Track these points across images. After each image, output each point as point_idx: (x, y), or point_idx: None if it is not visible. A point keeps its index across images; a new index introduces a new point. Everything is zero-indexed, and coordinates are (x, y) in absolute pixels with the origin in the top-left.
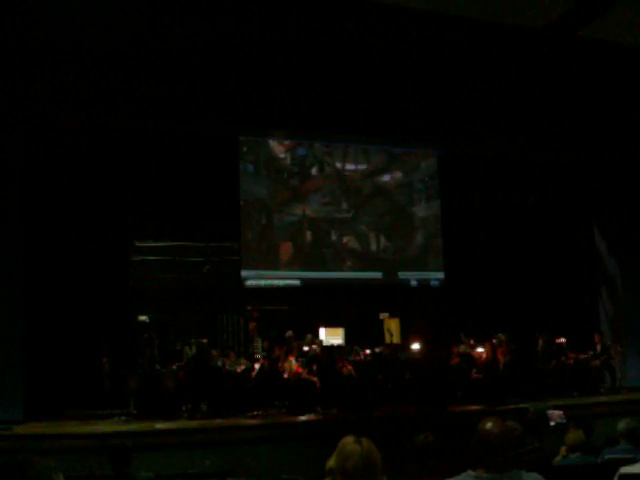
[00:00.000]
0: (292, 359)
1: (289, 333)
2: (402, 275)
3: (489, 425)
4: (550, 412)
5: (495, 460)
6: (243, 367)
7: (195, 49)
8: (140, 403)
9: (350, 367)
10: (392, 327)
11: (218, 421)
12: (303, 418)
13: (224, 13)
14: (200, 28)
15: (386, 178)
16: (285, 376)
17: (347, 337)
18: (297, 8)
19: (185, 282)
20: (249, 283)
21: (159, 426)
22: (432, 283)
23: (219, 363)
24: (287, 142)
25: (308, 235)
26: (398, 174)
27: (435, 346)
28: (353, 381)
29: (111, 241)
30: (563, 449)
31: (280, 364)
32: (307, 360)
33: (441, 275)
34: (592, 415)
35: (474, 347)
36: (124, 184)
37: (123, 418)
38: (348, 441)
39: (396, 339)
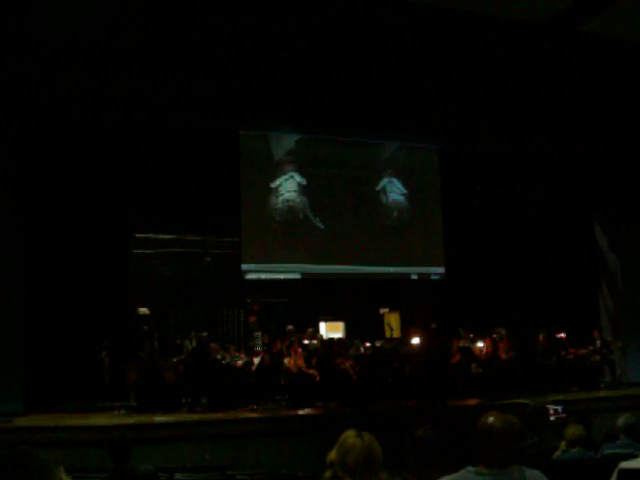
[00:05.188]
0: (295, 353)
1: (290, 327)
2: (402, 269)
3: (491, 419)
4: (550, 407)
5: (496, 455)
6: (243, 361)
7: (195, 42)
8: (140, 396)
9: (348, 364)
10: (392, 321)
11: (218, 414)
12: (303, 412)
13: (225, 7)
14: (201, 21)
15: (386, 169)
16: (286, 366)
17: (347, 331)
18: (298, 2)
19: (185, 275)
20: (249, 276)
21: (159, 419)
22: (432, 277)
23: (219, 356)
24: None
25: (308, 225)
26: (398, 166)
27: (435, 340)
28: (352, 375)
29: (111, 234)
30: (563, 444)
31: (286, 360)
32: (307, 354)
33: (441, 269)
34: (592, 410)
35: (474, 342)
36: (124, 177)
37: (123, 411)
38: (349, 435)
39: (396, 333)
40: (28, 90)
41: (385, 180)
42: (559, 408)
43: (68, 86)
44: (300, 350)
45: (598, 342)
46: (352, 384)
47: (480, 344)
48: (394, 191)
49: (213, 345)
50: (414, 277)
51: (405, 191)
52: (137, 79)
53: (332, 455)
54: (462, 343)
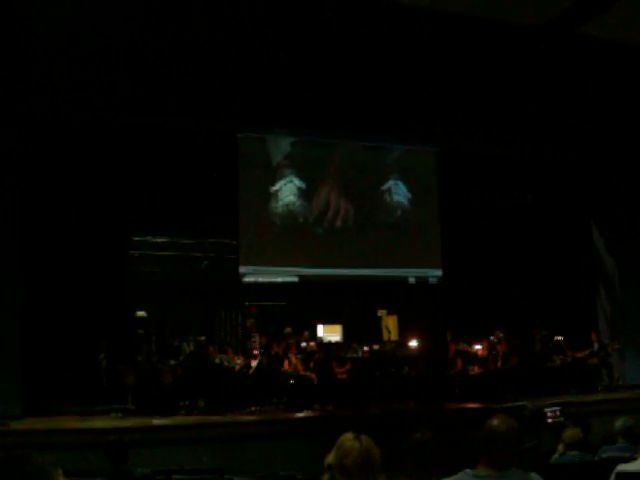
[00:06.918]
0: (293, 356)
1: (288, 330)
2: (400, 272)
3: (497, 422)
4: (547, 409)
5: (501, 457)
6: (240, 363)
7: (192, 44)
8: (138, 399)
9: (343, 369)
10: (390, 324)
11: (216, 417)
12: (300, 415)
13: (224, 9)
14: (198, 24)
15: (391, 172)
16: (284, 369)
17: (345, 334)
18: (295, 4)
19: (183, 278)
20: (247, 279)
21: (156, 422)
22: (430, 280)
23: (217, 359)
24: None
25: (307, 228)
26: (396, 168)
27: (433, 343)
28: (350, 378)
29: (109, 236)
30: (560, 447)
31: (287, 365)
32: (304, 357)
33: (439, 272)
34: (589, 413)
35: (472, 344)
36: (122, 179)
37: (120, 414)
38: (347, 438)
39: (394, 336)
40: (25, 92)
41: (391, 182)
42: (557, 411)
43: (65, 88)
44: (294, 354)
45: (596, 345)
46: (350, 387)
47: (478, 347)
48: (399, 193)
49: (211, 348)
50: (412, 281)
51: (409, 195)
52: (134, 81)
53: (330, 458)
54: (460, 346)
